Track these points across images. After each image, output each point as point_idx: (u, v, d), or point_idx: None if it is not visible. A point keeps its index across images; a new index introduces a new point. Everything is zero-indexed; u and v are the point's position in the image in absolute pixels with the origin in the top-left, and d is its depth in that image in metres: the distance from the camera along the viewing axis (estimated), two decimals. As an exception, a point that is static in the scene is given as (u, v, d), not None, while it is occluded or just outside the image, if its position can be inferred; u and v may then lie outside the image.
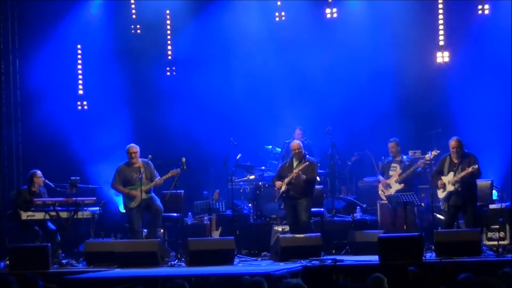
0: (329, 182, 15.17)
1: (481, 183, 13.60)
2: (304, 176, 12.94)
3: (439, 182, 12.60)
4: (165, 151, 15.20)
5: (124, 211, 14.86)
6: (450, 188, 12.52)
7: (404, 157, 13.96)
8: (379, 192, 13.83)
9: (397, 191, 13.42)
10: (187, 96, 16.48)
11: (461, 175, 12.41)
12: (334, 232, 13.86)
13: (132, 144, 13.43)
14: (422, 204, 13.61)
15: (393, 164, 13.79)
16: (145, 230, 13.50)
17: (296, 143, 13.40)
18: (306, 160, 13.11)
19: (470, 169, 12.38)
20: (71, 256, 13.32)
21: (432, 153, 13.07)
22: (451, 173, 12.55)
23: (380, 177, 13.81)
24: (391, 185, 13.68)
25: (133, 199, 13.08)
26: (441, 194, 12.63)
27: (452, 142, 12.62)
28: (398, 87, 15.77)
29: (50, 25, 16.42)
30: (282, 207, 13.62)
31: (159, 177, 13.26)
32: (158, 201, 13.33)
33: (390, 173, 13.79)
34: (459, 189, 12.43)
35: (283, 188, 13.08)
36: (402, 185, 13.55)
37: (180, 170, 13.29)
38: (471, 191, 12.52)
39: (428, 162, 13.14)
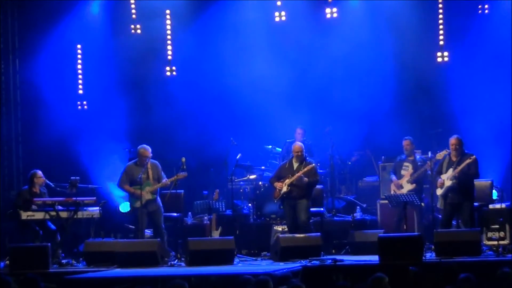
0: (329, 182, 15.17)
1: (481, 183, 13.62)
2: (306, 178, 12.94)
3: (438, 181, 12.63)
4: (165, 151, 15.19)
5: (124, 211, 14.90)
6: (448, 183, 12.54)
7: (418, 156, 13.94)
8: (392, 192, 13.77)
9: (409, 191, 13.41)
10: (187, 96, 16.46)
11: (459, 169, 12.42)
12: (334, 232, 13.87)
13: (145, 146, 13.35)
14: (422, 204, 13.62)
15: (405, 163, 13.76)
16: (149, 231, 13.49)
17: (298, 145, 13.37)
18: (307, 163, 13.11)
19: (467, 160, 12.41)
20: (71, 256, 13.33)
21: (443, 152, 13.02)
22: (450, 170, 12.58)
23: (393, 177, 13.77)
24: (403, 185, 13.66)
25: (138, 199, 13.06)
26: (439, 191, 12.65)
27: (452, 140, 12.67)
28: (398, 87, 15.76)
29: (50, 25, 16.41)
30: (281, 207, 13.61)
31: (166, 179, 13.26)
32: (160, 202, 13.34)
33: (402, 172, 13.75)
34: (456, 185, 12.44)
35: (284, 189, 13.07)
36: (414, 185, 13.55)
37: (186, 174, 13.31)
38: (467, 191, 12.55)
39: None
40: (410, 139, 13.83)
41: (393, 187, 13.77)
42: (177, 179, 13.16)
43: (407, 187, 13.60)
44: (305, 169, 12.99)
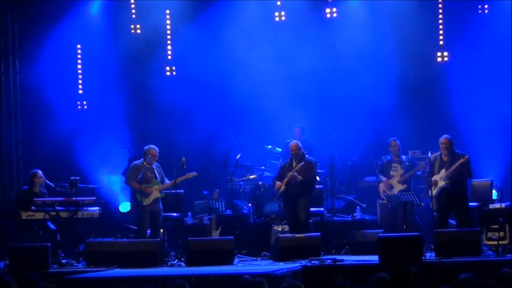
0: (329, 182, 15.17)
1: (481, 183, 13.64)
2: (300, 177, 12.93)
3: (432, 181, 12.60)
4: (165, 151, 15.18)
5: (124, 211, 14.90)
6: (441, 183, 12.53)
7: (403, 157, 13.97)
8: (381, 192, 13.78)
9: (400, 191, 13.41)
10: (187, 96, 16.47)
11: (452, 168, 12.41)
12: (334, 232, 13.86)
13: (154, 146, 13.42)
14: (422, 204, 13.61)
15: (394, 164, 13.77)
16: (148, 231, 13.52)
17: (294, 143, 13.38)
18: (303, 160, 13.09)
19: (460, 160, 12.39)
20: (71, 256, 13.33)
21: (434, 154, 13.02)
22: (443, 170, 12.56)
23: (383, 178, 13.76)
24: (394, 185, 13.66)
25: (147, 197, 13.10)
26: (433, 191, 12.64)
27: (442, 140, 12.65)
28: (398, 87, 15.76)
29: (50, 25, 16.41)
30: (282, 206, 13.62)
31: (169, 181, 13.32)
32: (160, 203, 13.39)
33: (392, 173, 13.76)
34: (449, 185, 12.42)
35: (282, 188, 13.08)
36: (405, 185, 13.57)
37: (196, 173, 13.38)
38: (461, 191, 12.54)
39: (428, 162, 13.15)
40: (397, 140, 13.84)
41: (382, 187, 13.76)
42: (185, 178, 13.23)
43: (398, 187, 13.60)
44: (297, 167, 12.97)
